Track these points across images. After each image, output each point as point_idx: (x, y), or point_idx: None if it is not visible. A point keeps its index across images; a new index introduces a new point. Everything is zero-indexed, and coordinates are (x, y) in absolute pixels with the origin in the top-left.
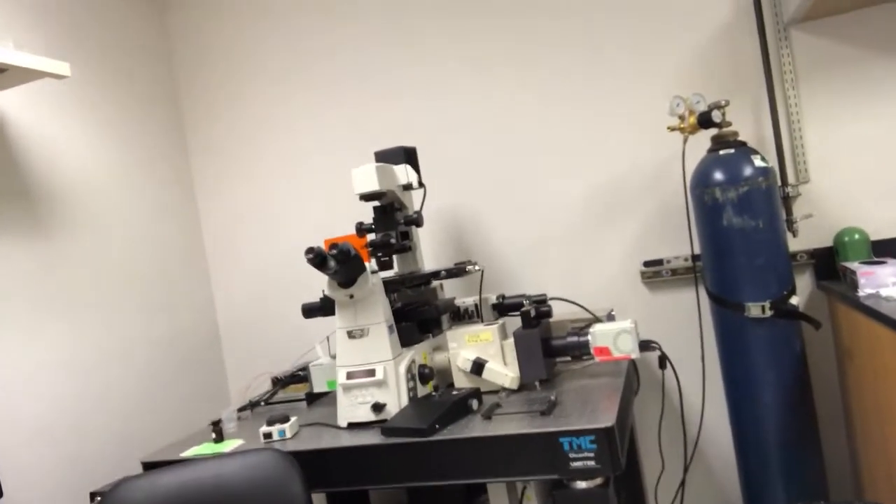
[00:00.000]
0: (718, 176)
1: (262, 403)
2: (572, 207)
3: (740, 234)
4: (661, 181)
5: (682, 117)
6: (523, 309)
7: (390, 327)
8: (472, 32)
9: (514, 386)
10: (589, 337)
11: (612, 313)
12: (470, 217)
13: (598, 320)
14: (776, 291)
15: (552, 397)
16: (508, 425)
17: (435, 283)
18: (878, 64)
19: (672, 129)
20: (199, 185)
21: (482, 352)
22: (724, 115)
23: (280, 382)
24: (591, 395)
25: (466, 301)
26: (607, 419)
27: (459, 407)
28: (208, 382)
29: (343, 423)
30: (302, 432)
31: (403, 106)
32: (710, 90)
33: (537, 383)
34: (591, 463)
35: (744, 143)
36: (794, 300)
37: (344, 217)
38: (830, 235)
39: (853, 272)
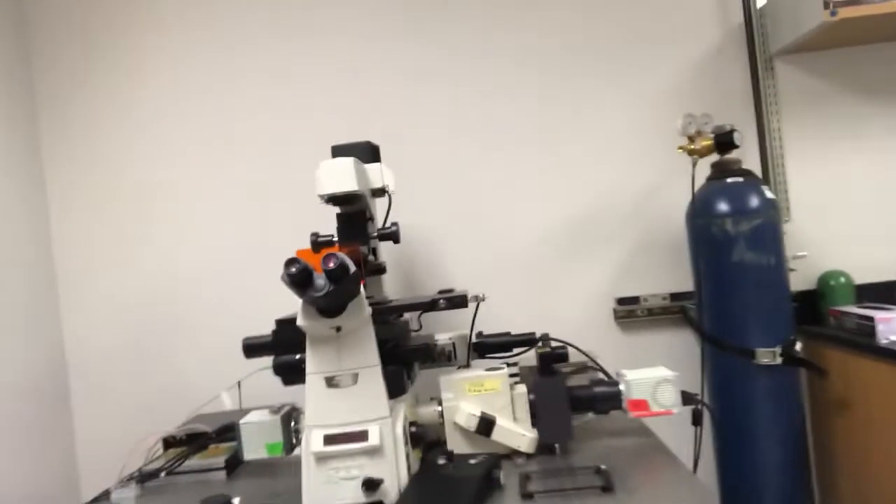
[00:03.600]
0: (725, 206)
1: (163, 474)
2: (540, 237)
3: (752, 270)
4: (640, 211)
5: (691, 138)
6: (540, 349)
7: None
8: (442, 37)
9: (531, 449)
10: (621, 387)
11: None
12: (425, 241)
13: (599, 368)
14: (783, 336)
15: (602, 466)
16: None
17: (408, 315)
18: (860, 104)
19: (683, 149)
20: (52, 192)
21: (487, 405)
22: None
23: (190, 445)
24: (637, 460)
25: (441, 339)
26: (695, 492)
27: (485, 483)
28: (49, 447)
29: None
30: None
31: (354, 98)
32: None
33: (557, 446)
34: None
35: (750, 172)
36: (797, 346)
37: (251, 232)
38: (811, 277)
39: (868, 318)
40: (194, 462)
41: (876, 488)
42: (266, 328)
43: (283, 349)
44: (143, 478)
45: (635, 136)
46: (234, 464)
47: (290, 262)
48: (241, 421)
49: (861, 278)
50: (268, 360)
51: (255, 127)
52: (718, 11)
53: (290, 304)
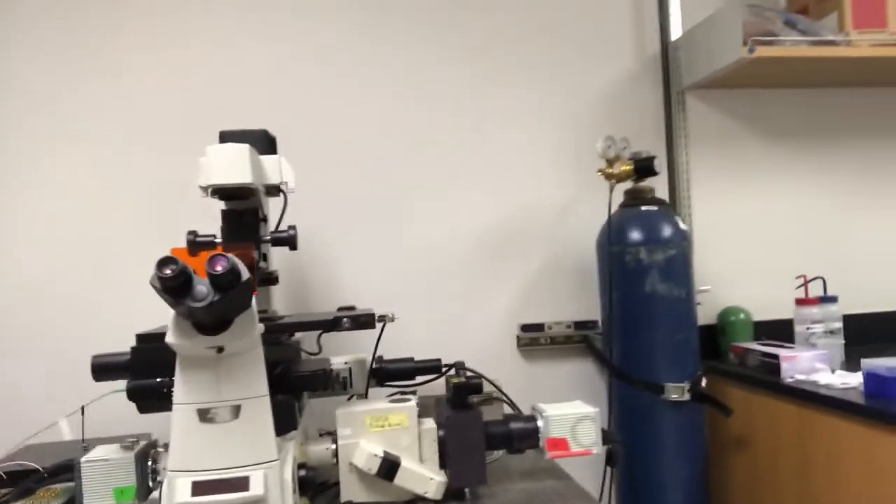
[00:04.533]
0: (639, 234)
1: None
2: (440, 255)
3: (663, 302)
4: (547, 234)
5: (610, 162)
6: (453, 378)
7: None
8: (355, 23)
9: (439, 495)
10: (539, 423)
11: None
12: (313, 252)
13: (508, 401)
14: (692, 372)
15: None
16: None
17: (298, 335)
18: (765, 145)
19: (601, 172)
20: None
21: (391, 443)
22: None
23: (14, 487)
24: None
25: (335, 363)
26: None
27: None
28: None
29: None
30: None
31: (241, 81)
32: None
33: (467, 490)
34: None
35: (664, 201)
36: (703, 382)
37: (106, 231)
38: (710, 312)
39: (772, 356)
40: None
41: None
42: (119, 344)
43: (144, 372)
44: None
45: (545, 156)
46: None
47: (164, 262)
48: (83, 458)
49: (758, 315)
50: (119, 383)
51: (118, 109)
52: (636, 40)
53: (152, 317)
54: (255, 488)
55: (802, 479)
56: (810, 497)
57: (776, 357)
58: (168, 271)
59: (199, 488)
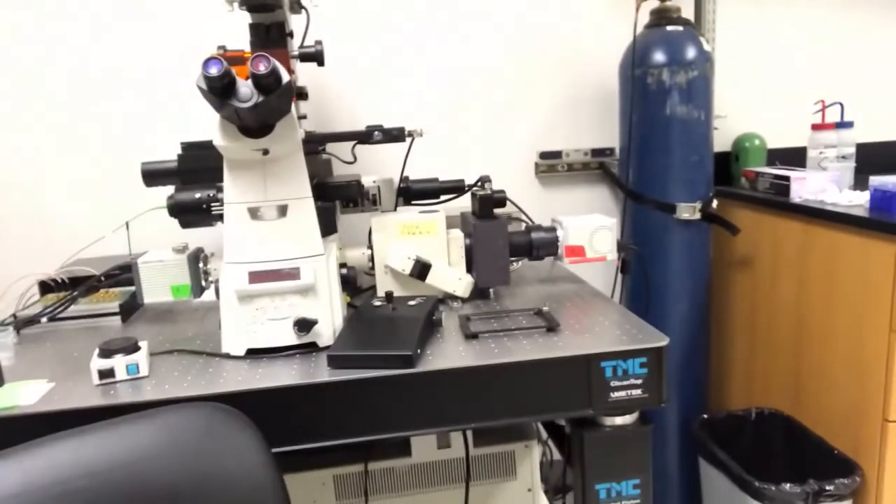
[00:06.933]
0: (663, 56)
1: (44, 320)
2: (460, 82)
3: (682, 125)
4: (570, 60)
5: None
6: (478, 191)
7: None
8: None
9: (467, 293)
10: (559, 233)
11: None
12: (338, 74)
13: (528, 219)
14: (703, 194)
15: (543, 307)
16: (514, 347)
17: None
18: None
19: None
20: None
21: (421, 249)
22: None
23: (72, 289)
24: (573, 302)
25: (365, 181)
26: (651, 336)
27: (428, 324)
28: None
29: (238, 349)
30: (162, 366)
31: None
32: None
33: (491, 291)
34: (639, 392)
35: (689, 21)
36: (714, 204)
37: (131, 47)
38: (726, 140)
39: (784, 178)
40: (81, 307)
41: (775, 336)
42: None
43: (190, 176)
44: (20, 324)
45: None
46: (130, 309)
47: (209, 62)
48: (140, 259)
49: (773, 142)
50: (160, 200)
51: None
52: None
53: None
54: (306, 277)
55: (800, 291)
56: (806, 307)
57: (787, 179)
58: (213, 71)
59: (255, 277)
